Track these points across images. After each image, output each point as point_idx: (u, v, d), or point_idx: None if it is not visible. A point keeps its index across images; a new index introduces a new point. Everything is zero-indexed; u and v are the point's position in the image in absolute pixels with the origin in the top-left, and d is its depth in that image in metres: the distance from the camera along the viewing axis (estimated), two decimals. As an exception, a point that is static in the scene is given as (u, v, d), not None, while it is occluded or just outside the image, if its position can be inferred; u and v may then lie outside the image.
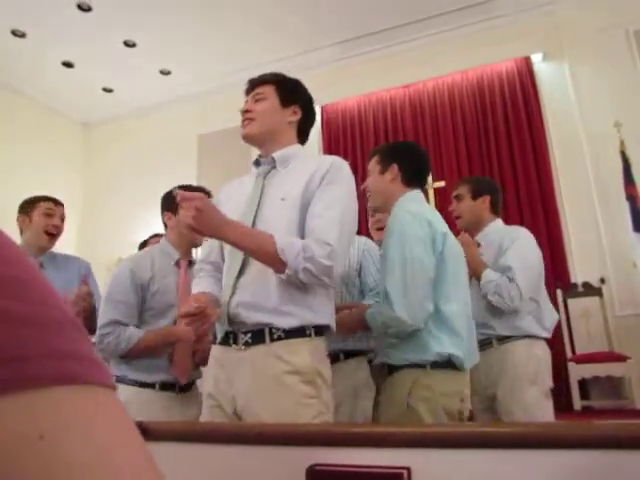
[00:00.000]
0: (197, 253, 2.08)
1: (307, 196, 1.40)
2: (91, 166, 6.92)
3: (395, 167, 1.79)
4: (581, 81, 4.74)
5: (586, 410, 3.94)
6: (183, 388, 1.90)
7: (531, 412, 1.97)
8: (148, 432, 0.91)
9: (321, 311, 1.40)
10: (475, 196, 2.31)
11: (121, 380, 1.85)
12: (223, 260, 1.54)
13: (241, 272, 1.40)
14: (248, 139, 1.55)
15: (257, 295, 1.35)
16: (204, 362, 1.67)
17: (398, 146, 1.97)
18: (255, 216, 1.43)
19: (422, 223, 1.63)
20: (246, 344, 1.35)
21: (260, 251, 1.32)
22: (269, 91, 1.55)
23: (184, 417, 1.82)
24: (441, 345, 1.56)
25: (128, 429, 0.25)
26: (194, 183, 5.82)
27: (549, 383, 2.12)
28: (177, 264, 2.01)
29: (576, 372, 3.92)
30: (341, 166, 1.45)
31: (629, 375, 3.86)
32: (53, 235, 2.30)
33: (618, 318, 4.23)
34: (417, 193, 1.80)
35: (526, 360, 2.06)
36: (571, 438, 0.70)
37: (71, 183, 6.69)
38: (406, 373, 1.57)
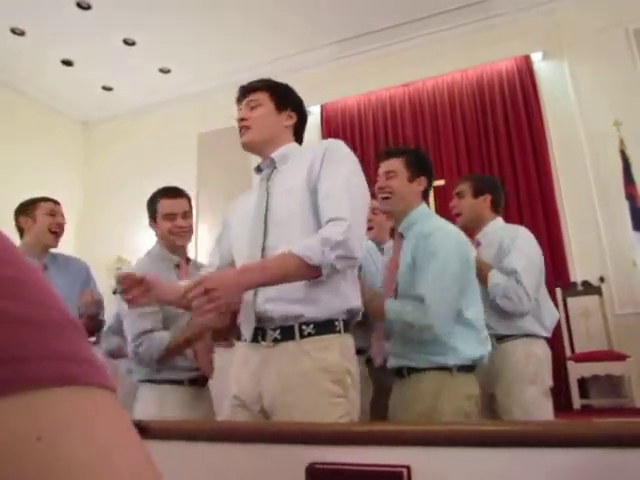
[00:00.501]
0: (196, 251, 2.09)
1: (312, 181, 1.40)
2: (91, 165, 6.92)
3: (423, 180, 1.87)
4: (581, 80, 4.74)
5: (585, 409, 3.94)
6: (202, 383, 1.95)
7: (530, 411, 1.97)
8: (147, 431, 0.91)
9: (350, 294, 1.39)
10: (476, 194, 2.30)
11: (153, 380, 1.88)
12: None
13: None
14: (248, 147, 1.56)
15: (282, 288, 1.33)
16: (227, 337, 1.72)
17: (426, 158, 2.01)
18: (265, 216, 1.43)
19: (461, 239, 1.74)
20: (275, 340, 1.34)
21: (290, 272, 1.27)
22: (263, 97, 1.55)
23: (201, 411, 1.87)
24: (470, 348, 1.63)
25: (127, 430, 0.25)
26: (194, 182, 5.88)
27: (549, 382, 2.12)
28: (177, 266, 2.02)
29: (575, 371, 3.92)
30: (337, 145, 1.46)
31: (628, 374, 3.86)
32: (57, 233, 2.36)
33: (618, 317, 4.23)
34: (424, 206, 1.90)
35: (526, 359, 2.06)
36: (571, 437, 0.70)
37: (71, 182, 6.69)
38: (432, 375, 1.62)
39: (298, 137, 1.62)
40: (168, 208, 1.98)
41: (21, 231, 2.35)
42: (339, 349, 1.33)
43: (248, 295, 1.38)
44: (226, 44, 5.52)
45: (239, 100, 1.60)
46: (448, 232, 1.75)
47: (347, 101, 5.64)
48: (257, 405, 1.35)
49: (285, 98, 1.59)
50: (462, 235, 1.78)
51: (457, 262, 1.68)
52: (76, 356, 0.25)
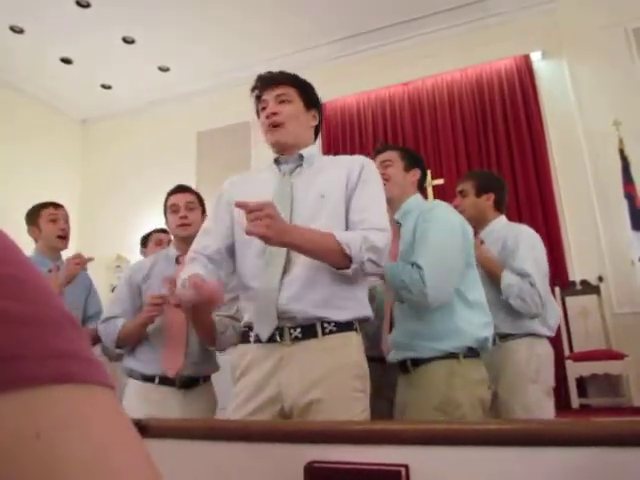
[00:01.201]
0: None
1: (349, 193, 1.45)
2: (90, 163, 6.91)
3: (418, 172, 1.92)
4: (580, 80, 4.74)
5: (584, 408, 3.95)
6: (186, 384, 1.89)
7: (532, 411, 1.96)
8: (147, 430, 0.91)
9: (364, 302, 1.44)
10: (479, 193, 2.28)
11: (130, 375, 1.95)
12: (225, 259, 1.51)
13: (285, 271, 1.38)
14: (279, 146, 1.52)
15: (307, 289, 1.34)
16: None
17: (419, 155, 2.07)
18: (291, 213, 1.42)
19: (457, 217, 1.76)
20: (295, 339, 1.34)
21: (325, 250, 1.31)
22: (293, 93, 1.52)
23: (183, 414, 1.81)
24: (474, 328, 1.62)
25: (125, 428, 0.25)
26: (194, 180, 5.87)
27: (551, 382, 2.11)
28: (177, 261, 2.03)
29: (574, 370, 3.93)
30: (372, 165, 1.54)
31: (627, 373, 3.87)
32: (64, 237, 2.43)
33: (616, 316, 4.24)
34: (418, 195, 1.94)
35: (528, 358, 2.05)
36: (571, 436, 0.70)
37: (70, 180, 6.68)
38: (438, 365, 1.58)
39: (316, 136, 1.63)
40: (172, 200, 2.07)
41: (35, 239, 2.44)
42: (357, 346, 1.38)
43: (268, 293, 1.36)
44: (225, 43, 5.52)
45: (263, 90, 1.54)
46: (451, 209, 1.80)
47: (346, 100, 5.63)
48: (276, 406, 1.32)
49: (312, 97, 1.58)
50: (461, 217, 1.82)
51: (459, 236, 1.68)
52: (75, 354, 0.25)
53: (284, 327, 1.35)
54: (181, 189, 2.10)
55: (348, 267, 1.32)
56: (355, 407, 1.30)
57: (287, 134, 1.49)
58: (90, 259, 2.23)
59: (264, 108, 1.53)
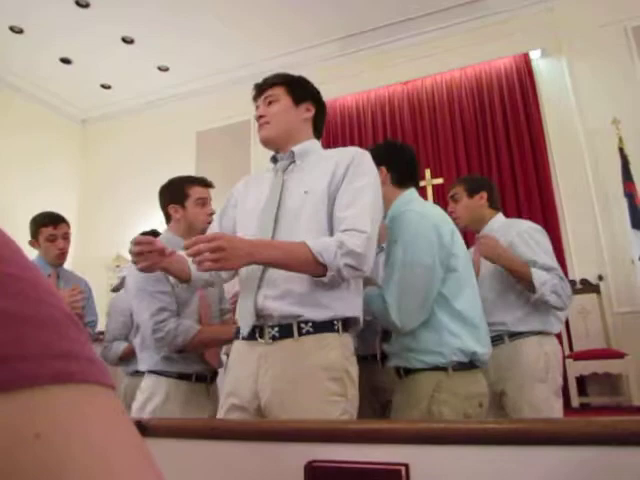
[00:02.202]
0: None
1: (333, 188, 1.41)
2: (89, 163, 6.91)
3: (383, 170, 1.76)
4: (580, 78, 4.74)
5: (584, 407, 3.95)
6: (212, 378, 1.94)
7: (540, 410, 1.93)
8: (147, 429, 0.91)
9: (352, 303, 1.39)
10: (471, 194, 2.27)
11: (160, 373, 1.85)
12: None
13: (265, 269, 1.37)
14: (266, 142, 1.54)
15: (287, 287, 1.33)
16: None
17: (381, 148, 1.90)
18: (277, 209, 1.42)
19: (427, 221, 1.61)
20: (273, 338, 1.33)
21: (297, 262, 1.27)
22: (280, 92, 1.54)
23: (213, 409, 1.83)
24: (463, 342, 1.53)
25: (125, 428, 0.25)
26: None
27: (559, 381, 2.08)
28: None
29: (574, 369, 3.93)
30: (363, 156, 1.46)
31: (626, 372, 3.87)
32: (61, 255, 2.48)
33: (616, 315, 4.24)
34: (412, 192, 1.78)
35: (536, 357, 2.02)
36: (571, 435, 0.70)
37: (69, 180, 6.68)
38: (426, 376, 1.53)
39: (318, 130, 1.61)
40: (200, 194, 2.02)
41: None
42: (337, 348, 1.33)
43: (249, 291, 1.38)
44: (224, 42, 5.51)
45: (256, 98, 1.58)
46: (416, 214, 1.64)
47: (346, 99, 5.63)
48: (253, 404, 1.33)
49: (302, 91, 1.58)
50: (437, 217, 1.67)
51: (424, 248, 1.57)
52: (75, 354, 0.25)
53: (264, 325, 1.35)
54: (204, 182, 2.07)
55: (324, 275, 1.29)
56: (331, 411, 1.26)
57: (270, 130, 1.51)
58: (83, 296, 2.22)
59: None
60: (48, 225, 2.46)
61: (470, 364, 1.56)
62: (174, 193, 2.04)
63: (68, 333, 0.25)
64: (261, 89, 1.57)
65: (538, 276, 2.01)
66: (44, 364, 0.23)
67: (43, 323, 0.24)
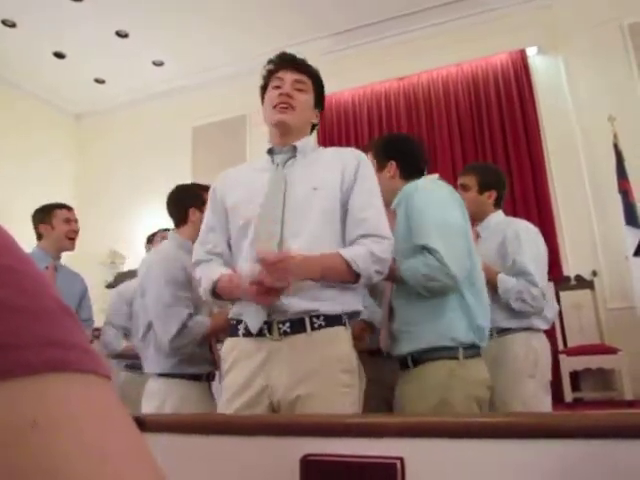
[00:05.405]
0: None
1: (345, 188, 1.45)
2: (84, 158, 6.87)
3: (393, 164, 1.76)
4: (575, 74, 4.75)
5: (577, 402, 3.98)
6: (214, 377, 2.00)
7: (529, 405, 1.95)
8: (144, 424, 0.91)
9: (356, 297, 1.45)
10: (482, 190, 2.25)
11: (174, 375, 1.89)
12: (229, 253, 1.53)
13: None
14: (283, 126, 1.49)
15: (300, 283, 1.33)
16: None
17: (393, 141, 1.90)
18: (284, 205, 1.41)
19: (443, 188, 1.68)
20: (284, 334, 1.34)
21: (335, 272, 1.34)
22: (309, 85, 1.54)
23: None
24: (480, 317, 1.57)
25: (120, 417, 0.25)
26: (189, 175, 5.85)
27: (548, 376, 2.10)
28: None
29: (567, 364, 3.96)
30: (367, 159, 1.53)
31: (620, 367, 3.90)
32: (73, 239, 2.58)
33: (609, 311, 4.27)
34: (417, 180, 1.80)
35: (525, 353, 2.04)
36: (565, 428, 0.70)
37: (64, 175, 6.64)
38: (438, 366, 1.54)
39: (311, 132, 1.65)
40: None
41: (39, 235, 2.53)
42: (347, 341, 1.38)
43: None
44: (219, 37, 5.49)
45: (280, 67, 1.54)
46: (438, 185, 1.70)
47: (342, 95, 5.62)
48: (265, 401, 1.33)
49: (322, 97, 1.61)
50: (448, 188, 1.71)
51: (458, 212, 1.62)
52: (69, 343, 0.25)
53: (273, 321, 1.35)
54: None
55: (357, 282, 1.36)
56: (343, 402, 1.31)
57: (294, 118, 1.49)
58: None
59: (277, 87, 1.51)
60: (63, 208, 2.57)
61: (477, 349, 1.59)
62: (194, 197, 2.09)
63: (63, 324, 0.25)
64: (293, 66, 1.54)
65: (503, 283, 2.07)
66: (39, 353, 0.23)
67: (38, 314, 0.24)
